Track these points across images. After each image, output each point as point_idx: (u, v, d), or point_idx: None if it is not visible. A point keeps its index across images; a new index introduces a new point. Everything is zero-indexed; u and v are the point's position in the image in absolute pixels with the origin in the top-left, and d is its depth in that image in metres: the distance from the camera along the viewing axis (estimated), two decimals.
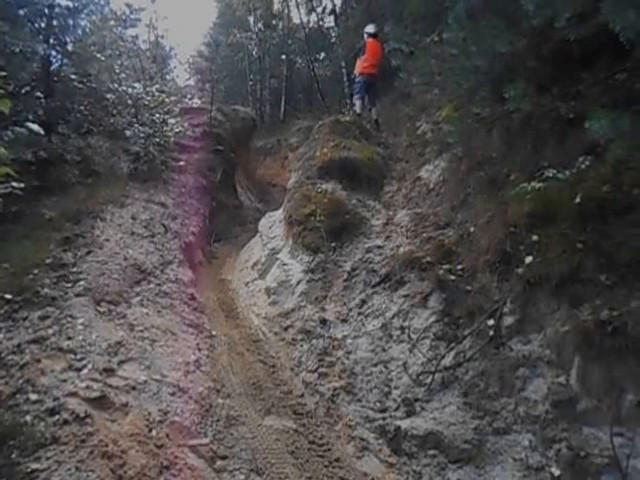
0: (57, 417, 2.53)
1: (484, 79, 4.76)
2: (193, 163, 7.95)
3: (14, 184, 2.92)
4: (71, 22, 6.98)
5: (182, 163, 7.69)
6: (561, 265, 3.36)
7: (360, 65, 8.80)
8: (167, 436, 2.70)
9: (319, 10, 13.72)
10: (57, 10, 7.13)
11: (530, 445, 2.97)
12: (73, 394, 2.72)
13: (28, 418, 2.51)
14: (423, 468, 3.06)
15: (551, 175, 3.66)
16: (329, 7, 13.08)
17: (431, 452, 3.12)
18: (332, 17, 12.76)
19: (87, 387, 2.80)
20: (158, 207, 6.16)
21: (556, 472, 2.80)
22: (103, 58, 7.03)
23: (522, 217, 3.80)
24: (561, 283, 3.35)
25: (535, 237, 3.63)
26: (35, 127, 3.06)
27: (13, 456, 2.33)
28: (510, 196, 4.04)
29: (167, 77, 12.00)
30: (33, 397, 2.67)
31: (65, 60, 7.14)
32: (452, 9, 4.38)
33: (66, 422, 2.50)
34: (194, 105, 9.97)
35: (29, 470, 2.25)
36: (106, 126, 6.90)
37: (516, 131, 4.72)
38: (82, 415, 2.55)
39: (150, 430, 2.69)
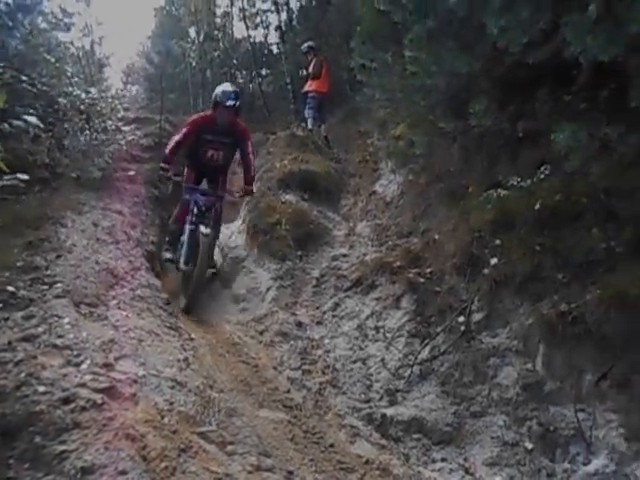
0: (73, 405, 2.67)
1: (442, 97, 5.29)
2: (144, 173, 8.06)
3: (19, 176, 3.01)
4: (20, 19, 7.01)
5: (133, 173, 7.80)
6: (523, 265, 3.88)
7: (315, 84, 9.34)
8: (177, 423, 2.91)
9: (264, 25, 14.17)
10: (2, 7, 7.12)
11: (505, 424, 3.42)
12: (82, 385, 2.86)
13: (43, 407, 2.65)
14: (410, 450, 3.43)
15: (515, 183, 4.18)
16: (274, 23, 13.58)
17: (416, 436, 3.51)
18: (278, 33, 13.23)
19: (93, 379, 2.96)
20: (116, 215, 6.27)
21: (529, 446, 3.25)
22: (53, 60, 7.06)
23: (485, 224, 4.30)
24: (523, 281, 3.87)
25: (498, 241, 4.14)
26: (33, 120, 3.20)
27: (37, 440, 2.49)
28: (473, 205, 4.55)
29: (105, 84, 11.94)
30: (41, 389, 2.80)
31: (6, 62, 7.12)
32: (410, 30, 4.83)
33: (84, 409, 2.66)
34: (141, 115, 10.08)
35: (58, 452, 2.41)
36: (57, 131, 6.91)
37: (472, 147, 5.27)
38: (99, 402, 2.72)
39: (162, 417, 2.89)
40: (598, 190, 3.77)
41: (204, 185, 5.91)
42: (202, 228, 5.26)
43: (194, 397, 3.27)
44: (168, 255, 6.00)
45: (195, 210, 5.54)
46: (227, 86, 5.76)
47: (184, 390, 3.31)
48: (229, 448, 2.94)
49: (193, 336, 4.41)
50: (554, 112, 4.23)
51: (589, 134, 3.24)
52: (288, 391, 3.87)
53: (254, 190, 5.98)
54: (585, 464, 3.06)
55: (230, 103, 5.43)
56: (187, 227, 5.55)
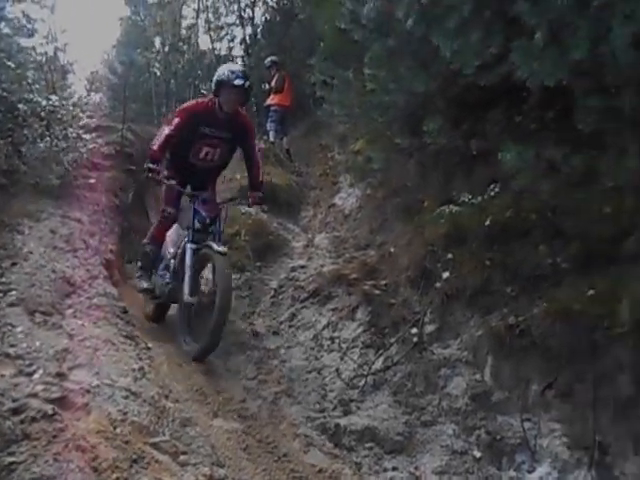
0: (23, 415, 2.58)
1: (400, 114, 5.36)
2: (104, 182, 7.91)
3: None
4: None
5: (93, 181, 7.65)
6: (473, 279, 3.96)
7: (277, 98, 9.42)
8: (130, 434, 2.84)
9: (229, 38, 14.18)
10: None
11: (454, 433, 3.45)
12: (33, 395, 2.77)
13: None
14: (363, 459, 3.43)
15: (466, 200, 4.26)
16: (239, 36, 13.61)
17: (368, 445, 3.51)
18: (242, 46, 13.27)
19: (45, 389, 2.86)
20: (75, 223, 6.13)
21: (477, 454, 3.30)
22: (14, 65, 6.89)
23: (439, 238, 4.37)
24: (474, 295, 3.95)
25: (450, 255, 4.21)
26: None
27: None
28: (427, 219, 4.62)
29: (68, 91, 11.69)
30: None
31: None
32: (370, 49, 4.90)
33: (34, 419, 2.57)
34: (103, 123, 9.91)
35: (6, 463, 2.32)
36: (16, 137, 6.73)
37: (429, 164, 5.35)
38: (50, 413, 2.64)
39: (115, 428, 2.82)
40: (546, 208, 3.87)
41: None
42: (215, 245, 4.19)
43: (148, 407, 3.20)
44: (145, 284, 4.93)
45: (197, 224, 4.42)
46: (233, 65, 4.68)
47: (138, 400, 3.23)
48: (182, 458, 2.88)
49: (150, 345, 4.32)
50: (505, 132, 4.34)
51: (536, 154, 3.33)
52: (243, 401, 3.84)
53: (262, 195, 4.77)
54: (530, 472, 3.12)
55: (239, 82, 4.30)
56: (188, 247, 4.41)
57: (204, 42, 15.44)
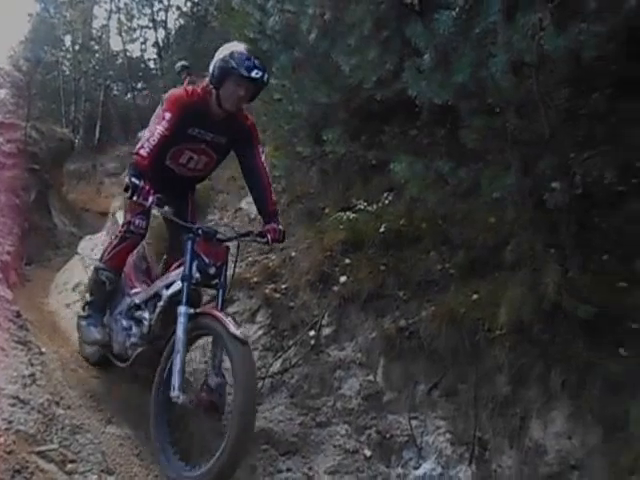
0: None
1: (304, 124, 5.34)
2: (4, 181, 7.33)
3: None
4: None
5: None
6: (368, 284, 3.97)
7: None
8: (14, 443, 2.60)
9: (141, 40, 13.68)
10: None
11: (347, 433, 3.44)
12: None
13: None
14: (257, 461, 3.34)
15: (362, 208, 4.29)
16: (152, 39, 13.17)
17: (264, 447, 3.42)
18: (155, 49, 12.87)
19: None
20: None
21: (368, 453, 3.30)
22: None
23: (337, 244, 4.37)
24: (369, 298, 3.95)
25: (348, 260, 4.22)
26: None
27: None
28: (327, 225, 4.62)
29: None
30: None
31: None
32: (277, 59, 4.85)
33: None
34: (6, 120, 9.20)
35: None
36: None
37: (330, 171, 5.36)
38: None
39: None
40: (436, 217, 3.98)
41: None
42: (231, 325, 2.82)
43: (37, 415, 2.95)
44: (97, 335, 3.58)
45: (196, 274, 3.01)
46: (242, 47, 3.24)
47: (26, 408, 2.97)
48: (70, 467, 2.69)
49: (44, 350, 4.00)
50: (402, 144, 4.42)
51: (425, 165, 3.40)
52: (139, 406, 3.64)
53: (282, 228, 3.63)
54: (416, 468, 3.17)
55: (256, 75, 3.06)
56: (182, 311, 2.94)
57: (116, 43, 14.86)
